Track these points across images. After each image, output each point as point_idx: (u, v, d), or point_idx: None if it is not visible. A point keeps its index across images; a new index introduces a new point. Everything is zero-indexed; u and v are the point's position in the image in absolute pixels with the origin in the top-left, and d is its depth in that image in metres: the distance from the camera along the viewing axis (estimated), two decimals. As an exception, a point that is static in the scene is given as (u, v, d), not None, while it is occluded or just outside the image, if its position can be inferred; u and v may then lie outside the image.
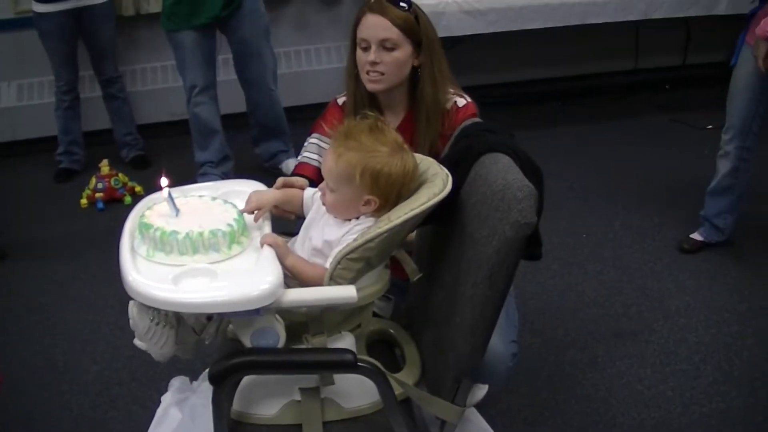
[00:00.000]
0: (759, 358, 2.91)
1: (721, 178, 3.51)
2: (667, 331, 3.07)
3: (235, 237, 1.79)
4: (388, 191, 1.80)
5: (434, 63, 2.28)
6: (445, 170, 1.85)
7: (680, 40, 5.65)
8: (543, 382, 2.82)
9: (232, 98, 4.68)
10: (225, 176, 4.47)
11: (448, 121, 2.28)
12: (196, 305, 1.65)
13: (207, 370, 2.17)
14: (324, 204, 1.86)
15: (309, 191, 2.03)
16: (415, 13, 2.26)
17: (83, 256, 3.85)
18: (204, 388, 2.21)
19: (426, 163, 1.90)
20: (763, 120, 3.39)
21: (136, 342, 1.82)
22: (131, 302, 1.81)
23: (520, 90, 5.63)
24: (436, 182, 1.80)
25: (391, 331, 2.06)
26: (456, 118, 2.28)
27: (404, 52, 2.24)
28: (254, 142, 4.70)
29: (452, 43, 4.93)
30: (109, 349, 3.11)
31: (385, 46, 2.22)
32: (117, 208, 4.32)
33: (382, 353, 2.03)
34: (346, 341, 1.83)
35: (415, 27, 2.24)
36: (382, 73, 2.24)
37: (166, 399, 2.22)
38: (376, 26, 2.22)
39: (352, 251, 1.72)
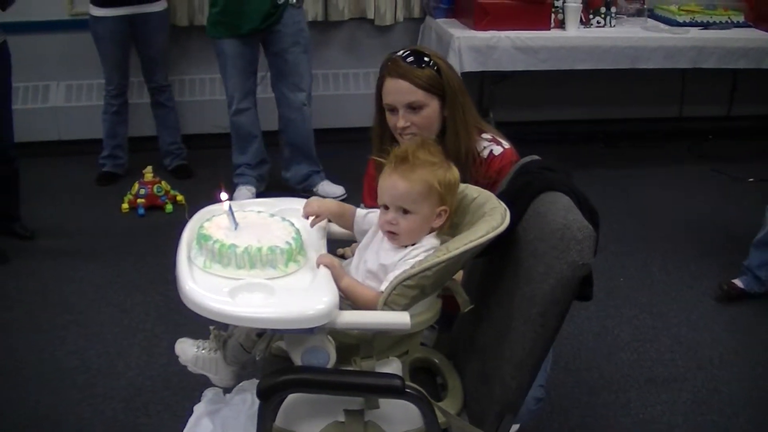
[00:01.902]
0: (792, 417, 2.90)
1: None
2: (700, 381, 3.05)
3: (292, 255, 1.80)
4: (452, 198, 1.87)
5: (457, 116, 2.25)
6: (503, 205, 1.87)
7: (726, 90, 5.64)
8: (575, 422, 2.81)
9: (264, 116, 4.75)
10: (261, 179, 4.61)
11: (483, 170, 2.27)
12: (251, 319, 1.67)
13: (240, 384, 2.22)
14: (394, 234, 1.85)
15: (361, 212, 2.06)
16: (436, 65, 2.23)
17: (121, 260, 3.89)
18: (236, 401, 2.24)
19: (484, 196, 1.92)
20: None
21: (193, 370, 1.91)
22: (178, 340, 1.98)
23: (563, 129, 5.63)
24: (495, 216, 1.81)
25: (435, 360, 2.07)
26: (491, 167, 2.27)
27: (432, 108, 2.23)
28: (284, 166, 4.71)
29: (500, 77, 4.98)
30: (143, 356, 3.14)
31: (412, 107, 2.21)
32: (157, 216, 4.37)
33: (425, 381, 2.04)
34: (393, 366, 1.85)
35: (439, 81, 2.22)
36: (414, 134, 2.22)
37: (199, 409, 2.24)
38: (398, 91, 2.21)
39: (409, 278, 1.73)
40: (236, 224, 1.85)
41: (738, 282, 3.62)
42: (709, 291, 3.67)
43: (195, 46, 5.18)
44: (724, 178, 5.07)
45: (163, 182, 4.50)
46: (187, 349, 2.00)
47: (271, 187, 4.70)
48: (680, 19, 4.97)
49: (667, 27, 4.92)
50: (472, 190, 1.95)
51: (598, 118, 5.67)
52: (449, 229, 1.94)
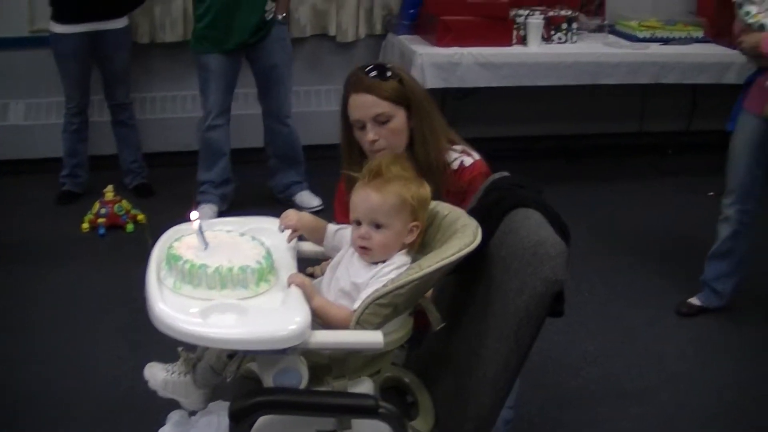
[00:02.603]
0: (760, 427, 2.92)
1: (722, 242, 3.53)
2: (669, 394, 3.07)
3: (263, 274, 1.79)
4: (423, 213, 1.88)
5: (424, 125, 2.25)
6: (475, 222, 1.86)
7: (686, 105, 5.70)
8: (544, 438, 2.81)
9: (248, 133, 4.80)
10: (224, 198, 4.57)
11: (455, 181, 2.26)
12: (223, 341, 1.65)
13: (208, 406, 2.18)
14: (366, 249, 1.85)
15: (332, 227, 2.05)
16: (399, 76, 2.24)
17: (82, 281, 3.83)
18: (202, 424, 2.19)
19: (455, 213, 1.92)
20: (763, 184, 3.43)
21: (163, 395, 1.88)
22: (147, 365, 1.96)
23: (525, 145, 5.65)
24: (467, 233, 1.81)
25: (406, 379, 2.05)
26: (462, 177, 2.27)
27: (399, 119, 2.23)
28: (270, 174, 4.79)
29: (463, 93, 5.00)
30: (107, 378, 3.08)
31: (379, 120, 2.21)
32: (118, 235, 4.31)
33: (395, 400, 2.02)
34: (365, 386, 1.84)
35: (402, 92, 2.22)
36: (384, 148, 2.22)
37: (164, 432, 2.20)
38: (364, 105, 2.20)
39: (381, 296, 1.72)
40: (206, 244, 1.82)
41: (695, 300, 3.66)
42: (673, 304, 3.69)
43: (156, 64, 5.14)
44: (685, 192, 5.12)
45: (124, 201, 4.44)
46: (157, 374, 1.97)
47: (256, 195, 4.70)
48: (641, 35, 5.02)
49: (628, 43, 4.98)
50: (442, 207, 1.95)
51: (561, 134, 5.70)
52: (420, 246, 1.94)
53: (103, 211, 4.36)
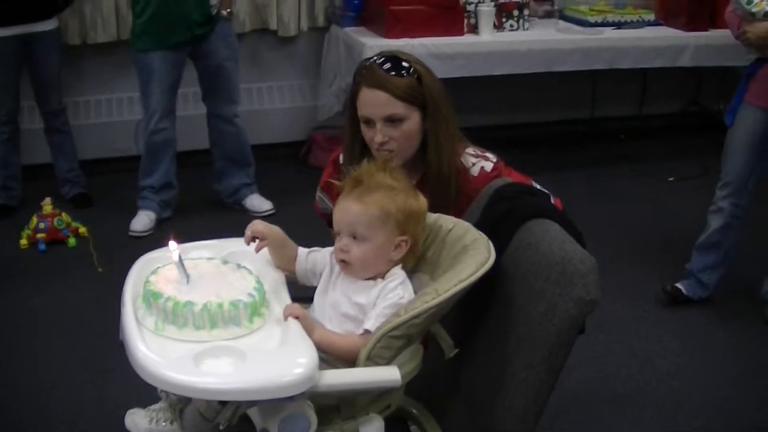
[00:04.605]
0: (762, 423, 2.82)
1: (712, 233, 3.42)
2: (662, 394, 2.94)
3: (256, 308, 1.59)
4: (414, 228, 1.68)
5: (440, 128, 2.06)
6: (485, 236, 1.69)
7: (637, 90, 5.62)
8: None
9: (192, 135, 4.56)
10: (165, 204, 4.34)
11: (476, 186, 2.07)
12: (221, 392, 1.44)
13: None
14: (345, 263, 1.68)
15: (303, 250, 1.85)
16: (417, 72, 2.04)
17: (27, 302, 3.54)
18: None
19: (461, 227, 1.74)
20: (758, 178, 3.33)
21: None
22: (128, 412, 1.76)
23: (480, 135, 5.46)
24: (480, 249, 1.64)
25: (413, 410, 1.87)
26: (486, 181, 2.07)
27: (413, 121, 2.03)
28: (216, 177, 4.55)
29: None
30: (67, 412, 2.80)
31: (392, 120, 2.02)
32: (60, 251, 4.02)
33: (397, 429, 1.84)
34: (375, 426, 1.64)
35: (419, 91, 2.02)
36: (392, 150, 2.04)
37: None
38: (376, 103, 2.01)
39: (395, 328, 1.54)
40: (188, 276, 1.61)
41: (680, 286, 3.54)
42: (652, 297, 3.58)
43: (89, 66, 4.85)
44: (644, 178, 5.02)
45: (63, 214, 4.15)
46: (139, 422, 1.74)
47: (184, 209, 4.43)
48: (592, 20, 4.90)
49: (580, 29, 4.84)
50: (446, 221, 1.77)
51: (514, 123, 5.56)
52: (417, 262, 1.76)
53: (42, 225, 4.07)
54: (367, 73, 2.02)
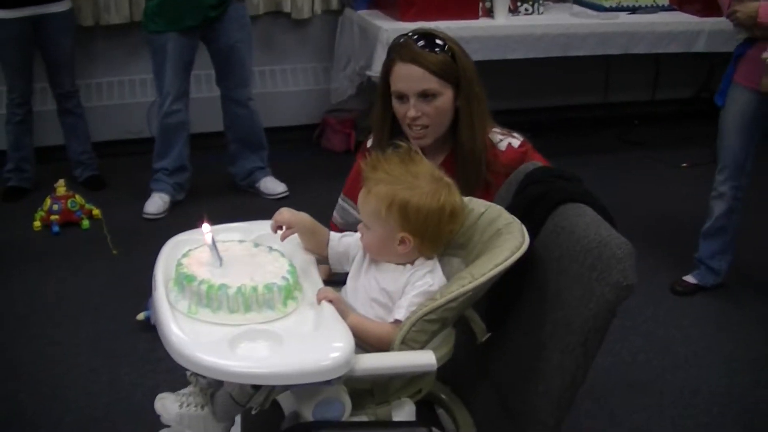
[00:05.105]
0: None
1: (716, 219, 3.42)
2: (679, 381, 2.94)
3: (290, 292, 1.57)
4: (422, 227, 1.61)
5: (472, 106, 2.08)
6: (517, 219, 1.67)
7: (650, 75, 5.60)
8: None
9: (206, 117, 4.56)
10: (178, 186, 4.34)
11: (503, 162, 2.10)
12: (257, 376, 1.43)
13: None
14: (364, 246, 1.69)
15: (335, 234, 1.83)
16: (451, 50, 2.06)
17: (40, 286, 3.53)
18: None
19: (494, 211, 1.72)
20: (755, 159, 3.34)
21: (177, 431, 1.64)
22: (157, 396, 1.73)
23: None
24: (514, 233, 1.63)
25: (442, 395, 1.86)
26: (513, 157, 2.12)
27: (446, 98, 2.05)
28: (230, 160, 4.54)
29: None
30: (82, 396, 2.80)
31: (425, 95, 2.02)
32: (74, 233, 4.02)
33: (427, 415, 1.83)
34: (406, 410, 1.64)
35: (454, 68, 2.05)
36: (426, 126, 2.05)
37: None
38: (411, 77, 2.02)
39: (431, 311, 1.53)
40: (221, 260, 1.60)
41: (690, 278, 3.54)
42: (666, 284, 3.57)
43: (102, 48, 4.83)
44: (656, 164, 5.01)
45: (77, 196, 4.15)
46: (170, 407, 1.72)
47: (198, 192, 4.42)
48: (606, 4, 4.87)
49: (595, 13, 4.82)
50: (477, 204, 1.75)
51: (527, 107, 5.53)
52: (456, 248, 1.74)
53: (55, 207, 4.06)
54: (402, 49, 2.03)
